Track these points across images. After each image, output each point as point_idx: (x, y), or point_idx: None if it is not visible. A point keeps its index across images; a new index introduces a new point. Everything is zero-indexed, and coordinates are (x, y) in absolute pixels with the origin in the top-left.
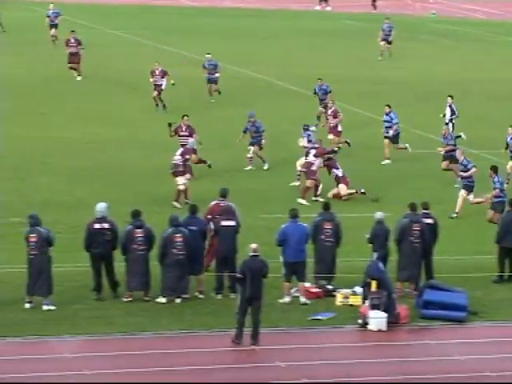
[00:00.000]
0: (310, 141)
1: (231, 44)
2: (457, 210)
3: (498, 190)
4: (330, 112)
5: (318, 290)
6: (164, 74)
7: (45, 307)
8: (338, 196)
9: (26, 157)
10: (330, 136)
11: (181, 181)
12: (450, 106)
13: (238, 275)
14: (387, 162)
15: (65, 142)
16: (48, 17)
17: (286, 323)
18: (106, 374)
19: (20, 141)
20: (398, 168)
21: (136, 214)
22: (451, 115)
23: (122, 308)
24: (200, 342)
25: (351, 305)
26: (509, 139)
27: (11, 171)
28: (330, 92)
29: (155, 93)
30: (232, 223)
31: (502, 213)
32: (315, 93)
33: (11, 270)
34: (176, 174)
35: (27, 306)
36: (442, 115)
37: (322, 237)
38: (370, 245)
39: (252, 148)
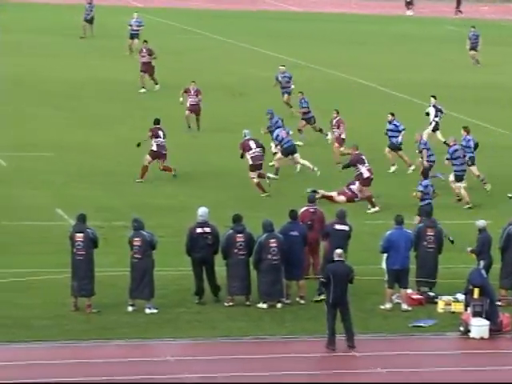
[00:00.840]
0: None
1: (328, 48)
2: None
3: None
4: (334, 122)
5: (419, 296)
6: (199, 92)
7: (147, 310)
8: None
9: (129, 161)
10: (336, 144)
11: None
12: (433, 105)
13: (322, 279)
14: (394, 168)
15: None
16: (130, 25)
17: (387, 330)
18: (207, 377)
19: (125, 143)
20: (502, 174)
21: (237, 219)
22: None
23: (224, 312)
24: (301, 348)
25: (453, 312)
26: (463, 142)
27: (117, 175)
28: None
29: (187, 112)
30: (345, 228)
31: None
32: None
33: (115, 273)
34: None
35: (130, 309)
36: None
37: (425, 243)
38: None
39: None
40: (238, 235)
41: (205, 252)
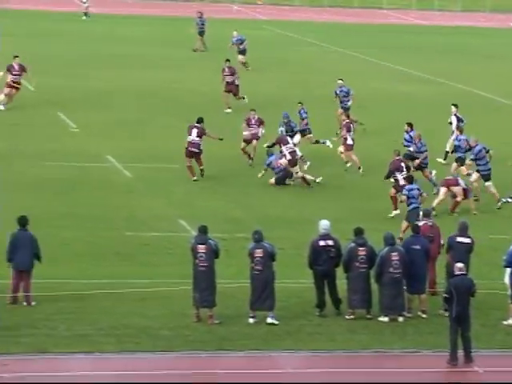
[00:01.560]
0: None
1: (451, 61)
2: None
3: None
4: (344, 123)
5: None
6: (261, 122)
7: (269, 320)
8: None
9: (251, 171)
10: (341, 148)
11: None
12: (455, 114)
13: (445, 295)
14: None
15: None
16: (233, 44)
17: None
18: None
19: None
20: None
21: (359, 232)
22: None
23: (344, 325)
24: (422, 362)
25: None
26: (456, 142)
27: (240, 187)
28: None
29: (243, 144)
30: (467, 240)
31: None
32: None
33: (236, 284)
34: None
35: (251, 320)
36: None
37: None
38: None
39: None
40: (360, 248)
41: (327, 265)
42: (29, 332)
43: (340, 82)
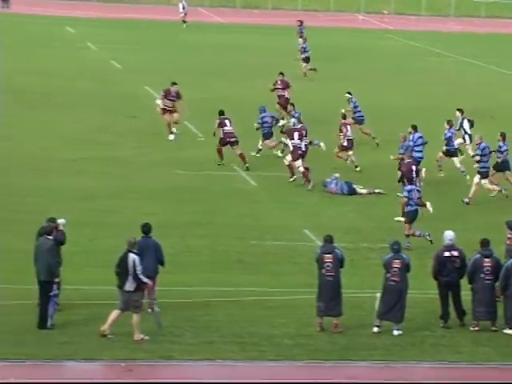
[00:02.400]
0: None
1: None
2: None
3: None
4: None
5: None
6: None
7: (395, 332)
8: None
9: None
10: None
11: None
12: (464, 119)
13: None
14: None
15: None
16: (299, 50)
17: None
18: None
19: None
20: None
21: (485, 243)
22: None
23: (469, 337)
24: None
25: None
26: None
27: (365, 197)
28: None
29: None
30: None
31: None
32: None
33: (361, 294)
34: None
35: (375, 330)
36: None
37: None
38: None
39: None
40: (486, 260)
41: (452, 276)
42: (154, 338)
43: (347, 95)
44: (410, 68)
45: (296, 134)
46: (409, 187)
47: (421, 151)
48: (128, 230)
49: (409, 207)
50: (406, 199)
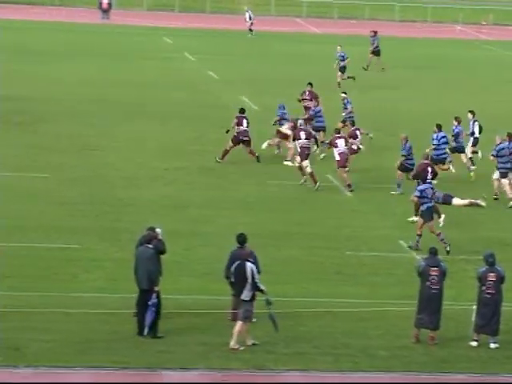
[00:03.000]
0: None
1: None
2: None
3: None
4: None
5: None
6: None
7: (492, 345)
8: None
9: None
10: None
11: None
12: (475, 121)
13: None
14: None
15: None
16: (336, 59)
17: None
18: None
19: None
20: None
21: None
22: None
23: None
24: None
25: None
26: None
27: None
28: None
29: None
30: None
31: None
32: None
33: (458, 307)
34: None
35: (473, 344)
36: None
37: None
38: None
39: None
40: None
41: None
42: (249, 348)
43: (343, 94)
44: (508, 78)
45: (303, 134)
46: (422, 187)
47: (443, 149)
48: (222, 240)
49: (424, 206)
50: (416, 199)
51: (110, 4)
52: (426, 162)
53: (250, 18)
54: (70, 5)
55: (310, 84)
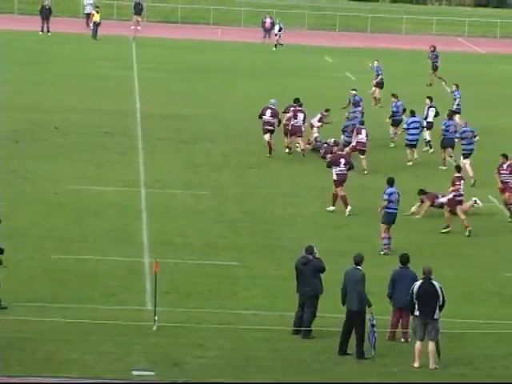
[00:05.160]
0: None
1: None
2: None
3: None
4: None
5: None
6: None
7: None
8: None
9: None
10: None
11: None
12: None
13: None
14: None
15: None
16: (375, 72)
17: None
18: None
19: None
20: None
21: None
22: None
23: None
24: None
25: None
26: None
27: None
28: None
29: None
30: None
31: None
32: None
33: None
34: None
35: None
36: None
37: None
38: None
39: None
40: None
41: None
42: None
43: (353, 91)
44: None
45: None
46: (389, 190)
47: (471, 143)
48: (380, 259)
49: (388, 209)
50: (386, 202)
51: (272, 23)
52: (340, 153)
53: (280, 30)
54: (230, 24)
55: (328, 110)
